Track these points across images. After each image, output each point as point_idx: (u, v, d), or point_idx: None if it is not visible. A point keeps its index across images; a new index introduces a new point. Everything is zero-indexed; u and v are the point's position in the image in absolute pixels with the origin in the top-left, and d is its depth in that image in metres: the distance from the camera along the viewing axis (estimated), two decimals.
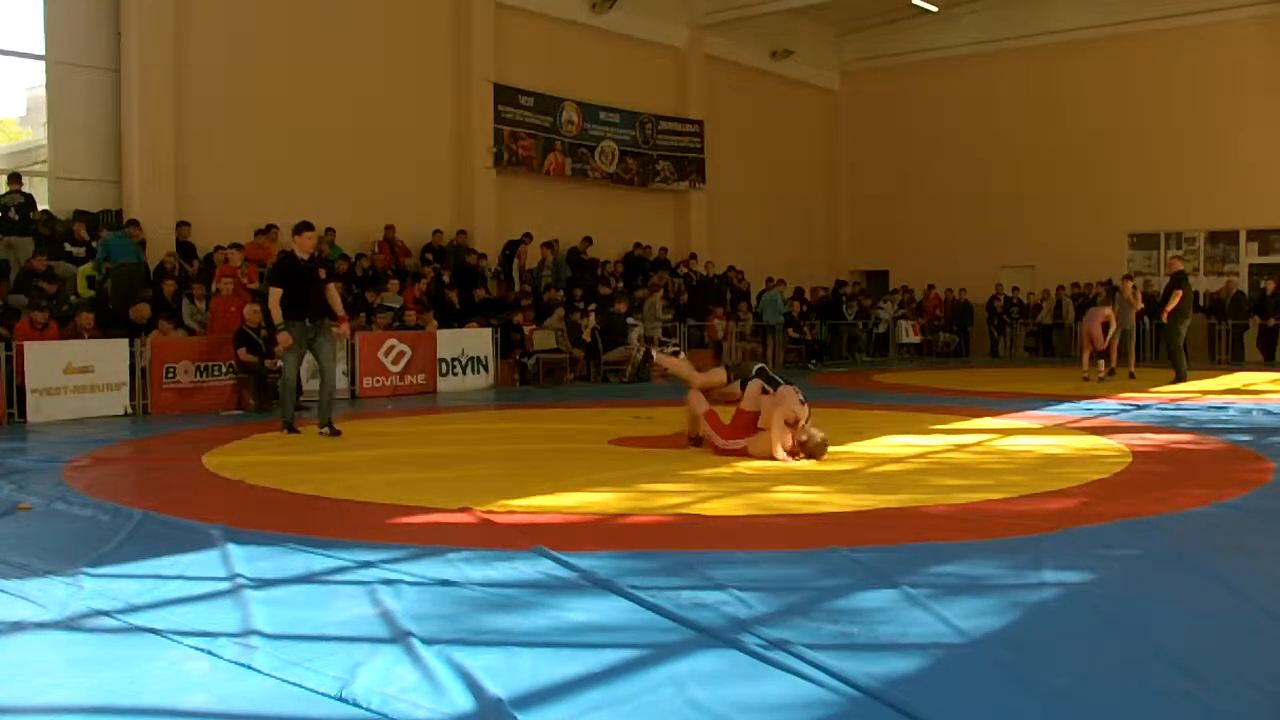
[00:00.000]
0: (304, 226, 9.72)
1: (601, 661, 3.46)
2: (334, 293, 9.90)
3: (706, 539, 5.41)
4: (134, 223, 13.77)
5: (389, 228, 16.80)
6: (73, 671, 3.47)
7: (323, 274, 9.82)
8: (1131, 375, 16.12)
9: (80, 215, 13.98)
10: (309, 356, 10.03)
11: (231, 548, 5.03)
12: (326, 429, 9.60)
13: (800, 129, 25.87)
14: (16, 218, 13.50)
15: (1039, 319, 23.76)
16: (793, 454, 7.87)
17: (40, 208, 14.08)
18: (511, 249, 18.35)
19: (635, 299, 18.61)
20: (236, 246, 14.24)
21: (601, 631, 3.80)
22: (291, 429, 9.66)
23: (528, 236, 18.48)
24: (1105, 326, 15.61)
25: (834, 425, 8.87)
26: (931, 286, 24.57)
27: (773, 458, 7.80)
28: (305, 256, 9.58)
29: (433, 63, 17.99)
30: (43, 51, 14.05)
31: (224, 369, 12.45)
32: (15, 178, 13.78)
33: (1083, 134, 23.41)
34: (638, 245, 20.98)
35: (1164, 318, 15.90)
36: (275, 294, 9.50)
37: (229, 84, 15.27)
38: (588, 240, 19.69)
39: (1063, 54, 23.69)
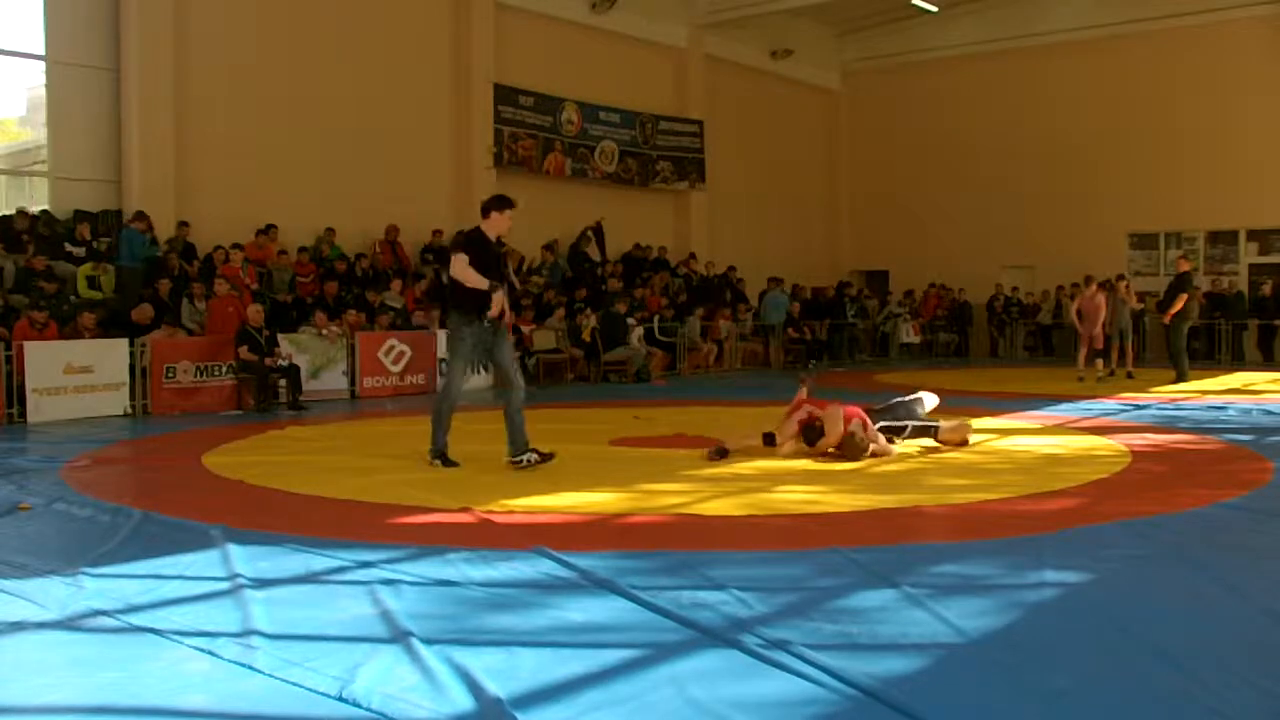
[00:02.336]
0: (504, 203, 7.63)
1: (601, 661, 3.46)
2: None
3: (706, 539, 5.42)
4: (141, 215, 13.63)
5: (391, 228, 16.78)
6: (73, 671, 3.47)
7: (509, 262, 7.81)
8: (1130, 375, 16.10)
9: (80, 215, 13.97)
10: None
11: (231, 548, 5.03)
12: (533, 454, 7.43)
13: (800, 129, 25.84)
14: None
15: (1039, 319, 23.74)
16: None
17: (40, 208, 14.06)
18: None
19: (635, 298, 18.60)
20: (237, 246, 14.26)
21: (601, 631, 3.80)
22: (446, 460, 7.58)
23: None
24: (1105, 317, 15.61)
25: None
26: (932, 286, 24.57)
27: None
28: (494, 238, 7.68)
29: (433, 63, 17.98)
30: (43, 51, 14.02)
31: (224, 369, 12.44)
32: None
33: (1083, 134, 23.37)
34: (637, 245, 20.96)
35: (1165, 320, 15.86)
36: (463, 259, 7.37)
37: (229, 84, 15.25)
38: (584, 235, 19.64)
39: (1063, 54, 23.65)
